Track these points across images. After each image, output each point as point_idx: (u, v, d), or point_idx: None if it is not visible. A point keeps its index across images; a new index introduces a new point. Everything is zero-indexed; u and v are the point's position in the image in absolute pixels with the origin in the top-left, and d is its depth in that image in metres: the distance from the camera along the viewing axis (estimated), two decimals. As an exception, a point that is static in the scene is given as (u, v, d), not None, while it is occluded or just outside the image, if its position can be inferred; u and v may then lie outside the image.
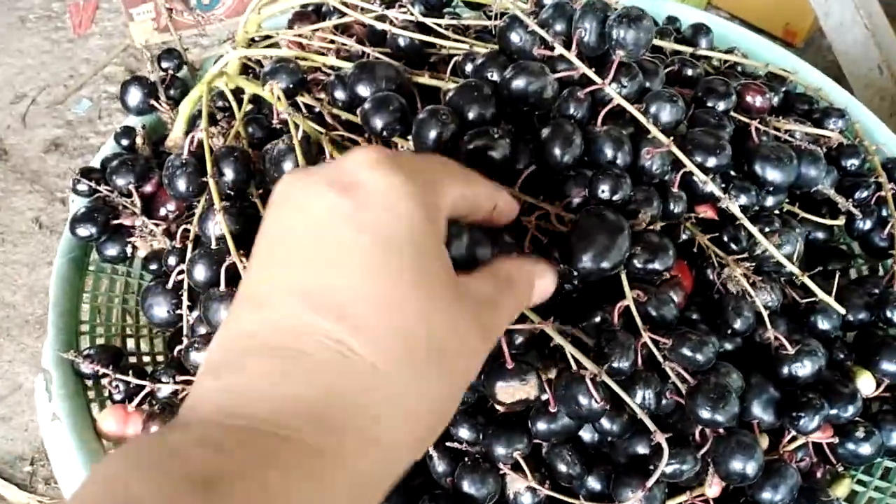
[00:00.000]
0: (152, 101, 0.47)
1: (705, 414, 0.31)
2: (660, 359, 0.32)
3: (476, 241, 0.27)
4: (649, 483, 0.30)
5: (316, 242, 0.21)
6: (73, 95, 1.28)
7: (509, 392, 0.30)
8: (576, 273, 0.30)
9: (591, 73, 0.33)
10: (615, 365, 0.30)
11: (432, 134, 0.32)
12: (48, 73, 1.31)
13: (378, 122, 0.33)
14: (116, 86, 1.30)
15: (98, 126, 1.24)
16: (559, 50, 0.34)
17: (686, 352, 0.32)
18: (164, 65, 0.49)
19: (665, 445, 0.30)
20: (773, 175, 0.37)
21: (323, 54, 0.38)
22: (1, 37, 1.37)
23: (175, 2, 0.50)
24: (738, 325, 0.34)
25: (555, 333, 0.30)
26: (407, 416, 0.21)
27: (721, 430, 0.32)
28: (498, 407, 0.31)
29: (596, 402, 0.29)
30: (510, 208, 0.28)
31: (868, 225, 0.43)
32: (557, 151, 0.32)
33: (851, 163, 0.45)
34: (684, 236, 0.37)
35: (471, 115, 0.32)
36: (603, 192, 0.31)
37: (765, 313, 0.34)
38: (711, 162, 0.34)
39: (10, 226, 1.09)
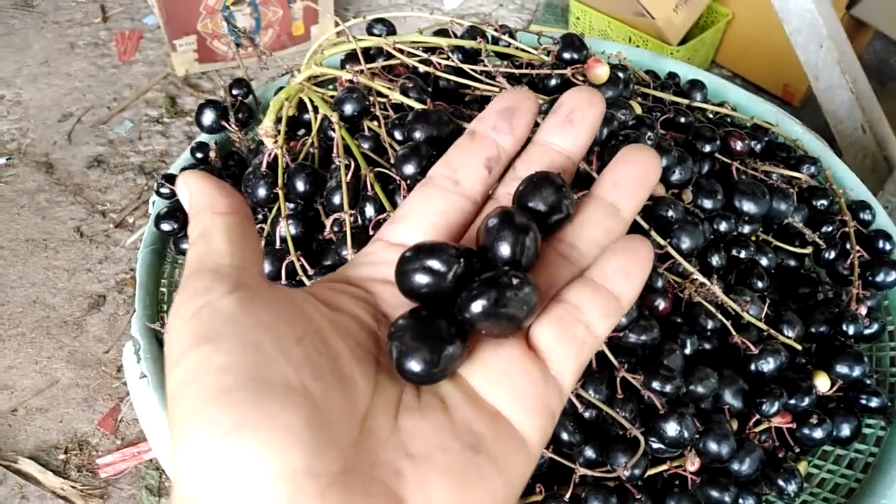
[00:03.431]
0: (223, 122, 0.55)
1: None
2: (638, 387, 0.37)
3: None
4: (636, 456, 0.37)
5: None
6: (116, 117, 1.38)
7: None
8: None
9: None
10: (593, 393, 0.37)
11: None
12: (93, 96, 1.41)
13: (408, 170, 0.39)
14: (156, 110, 1.40)
15: (138, 146, 1.33)
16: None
17: (656, 385, 0.37)
18: (235, 92, 0.57)
19: (642, 440, 0.37)
20: (748, 207, 0.45)
21: (389, 88, 0.45)
22: (52, 61, 1.48)
23: (244, 38, 0.58)
24: (709, 326, 0.41)
25: None
26: None
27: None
28: None
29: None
30: None
31: (833, 255, 0.51)
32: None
33: (821, 202, 0.52)
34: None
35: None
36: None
37: (727, 322, 0.41)
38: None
39: (53, 234, 1.17)
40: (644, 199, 0.25)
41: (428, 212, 0.24)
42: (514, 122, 0.25)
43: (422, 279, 0.21)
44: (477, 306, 0.20)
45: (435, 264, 0.21)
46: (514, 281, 0.20)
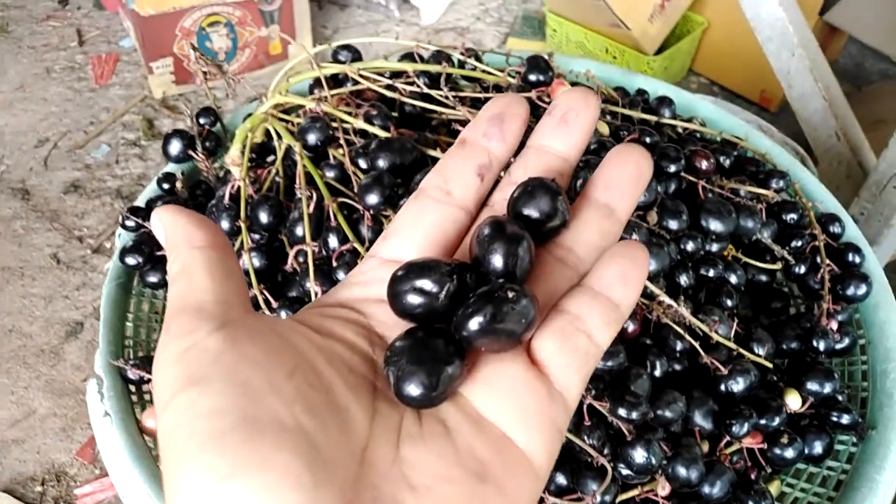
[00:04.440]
0: (190, 151, 0.54)
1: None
2: (605, 413, 0.37)
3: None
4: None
5: None
6: (93, 141, 1.37)
7: None
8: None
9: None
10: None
11: None
12: (70, 120, 1.41)
13: (371, 200, 0.39)
14: (134, 133, 1.39)
15: (115, 170, 1.32)
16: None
17: (622, 412, 0.37)
18: (202, 121, 0.56)
19: (609, 469, 0.37)
20: (714, 225, 0.45)
21: (351, 115, 0.45)
22: (27, 85, 1.47)
23: (211, 65, 0.57)
24: (678, 348, 0.41)
25: None
26: None
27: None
28: None
29: None
30: None
31: (803, 270, 0.51)
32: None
33: (791, 217, 0.52)
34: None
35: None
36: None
37: (696, 343, 0.41)
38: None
39: (30, 261, 1.16)
40: (637, 199, 0.25)
41: (421, 224, 0.23)
42: (504, 128, 0.24)
43: (415, 299, 0.20)
44: (474, 323, 0.19)
45: (427, 284, 0.20)
46: (511, 294, 0.20)
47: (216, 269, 0.20)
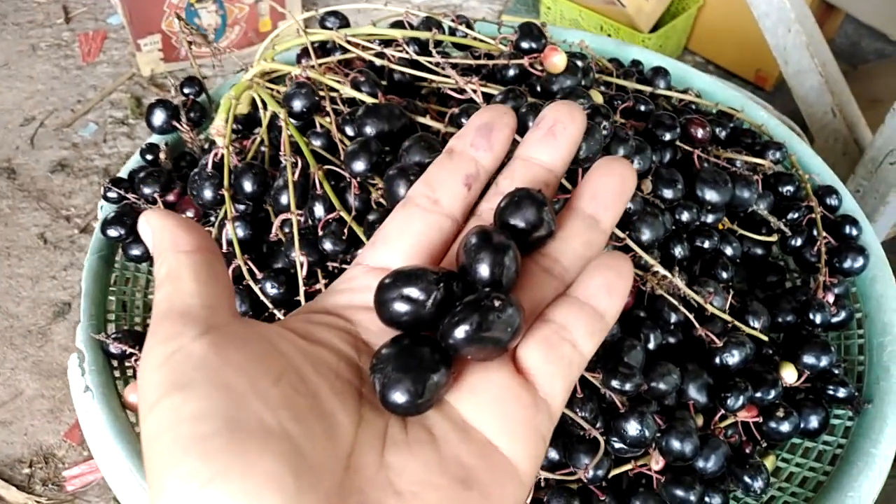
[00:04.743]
0: (174, 122, 0.53)
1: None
2: (598, 385, 0.36)
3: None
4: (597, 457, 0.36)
5: None
6: (80, 119, 1.35)
7: None
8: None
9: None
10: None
11: (401, 191, 0.33)
12: (56, 98, 1.38)
13: (358, 166, 0.38)
14: (121, 111, 1.37)
15: (103, 149, 1.30)
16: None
17: (615, 384, 0.36)
18: (186, 91, 0.55)
19: (602, 442, 0.36)
20: (710, 195, 0.44)
21: (339, 82, 0.44)
22: (13, 63, 1.44)
23: (196, 35, 0.56)
24: (673, 320, 0.40)
25: None
26: None
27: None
28: None
29: None
30: None
31: (799, 242, 0.50)
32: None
33: (787, 189, 0.52)
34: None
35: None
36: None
37: (691, 315, 0.40)
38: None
39: (16, 241, 1.14)
40: (622, 210, 0.25)
41: (408, 233, 0.23)
42: (492, 138, 0.25)
43: (401, 307, 0.20)
44: (460, 332, 0.20)
45: (414, 292, 0.20)
46: (497, 303, 0.20)
47: (203, 273, 0.20)
